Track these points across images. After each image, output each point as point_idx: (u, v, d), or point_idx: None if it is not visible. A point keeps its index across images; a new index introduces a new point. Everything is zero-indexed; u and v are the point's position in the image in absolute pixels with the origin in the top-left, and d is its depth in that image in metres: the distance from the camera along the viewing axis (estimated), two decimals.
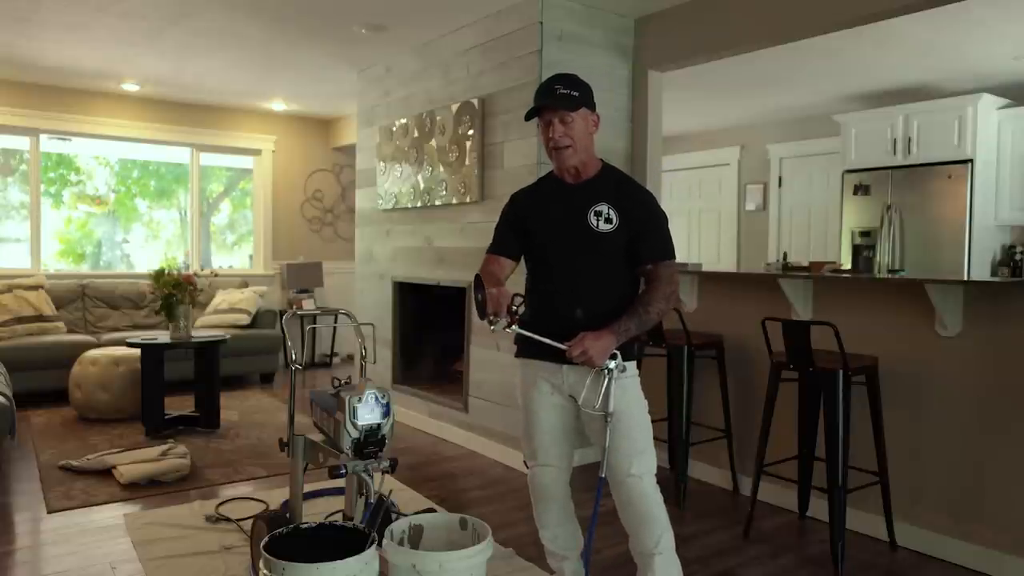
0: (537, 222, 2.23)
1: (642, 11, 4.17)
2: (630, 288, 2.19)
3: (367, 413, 2.14)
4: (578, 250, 2.15)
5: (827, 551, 2.95)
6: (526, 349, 2.23)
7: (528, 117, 2.17)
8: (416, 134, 4.92)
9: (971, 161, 5.21)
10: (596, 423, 2.14)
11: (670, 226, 2.23)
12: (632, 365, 2.16)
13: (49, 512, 3.27)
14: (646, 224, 2.16)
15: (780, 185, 7.13)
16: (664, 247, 2.17)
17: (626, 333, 2.05)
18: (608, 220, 2.12)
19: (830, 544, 2.84)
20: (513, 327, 2.03)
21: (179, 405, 5.13)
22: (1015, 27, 4.14)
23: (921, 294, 2.95)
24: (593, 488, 2.25)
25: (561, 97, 2.09)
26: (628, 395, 2.13)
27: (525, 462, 2.35)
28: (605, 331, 2.02)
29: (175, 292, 4.72)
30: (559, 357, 2.10)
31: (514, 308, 2.02)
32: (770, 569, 2.83)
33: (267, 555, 1.88)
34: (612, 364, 2.04)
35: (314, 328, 7.20)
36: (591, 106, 2.17)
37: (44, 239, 6.49)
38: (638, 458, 2.11)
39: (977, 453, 2.85)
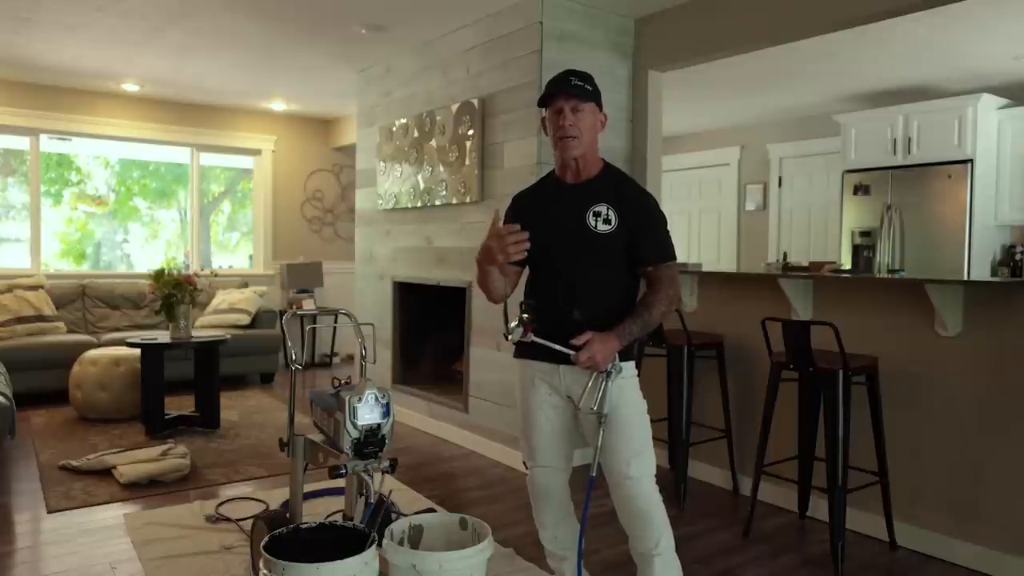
0: (536, 222, 2.21)
1: (642, 11, 4.17)
2: (629, 290, 2.18)
3: (367, 413, 2.14)
4: (576, 251, 2.14)
5: (827, 551, 2.95)
6: (523, 350, 2.22)
7: (541, 103, 2.17)
8: (416, 134, 4.92)
9: (971, 161, 5.21)
10: (592, 424, 2.13)
11: (669, 227, 2.21)
12: (630, 365, 2.15)
13: (49, 512, 3.27)
14: (645, 226, 2.13)
15: (780, 185, 7.13)
16: (664, 249, 2.15)
17: (629, 336, 2.05)
18: (607, 221, 2.11)
19: (830, 544, 2.84)
20: (530, 336, 2.03)
21: (179, 405, 5.13)
22: (1015, 27, 4.14)
23: (921, 294, 2.95)
24: None
25: (576, 87, 2.11)
26: (625, 396, 2.11)
27: (524, 462, 2.35)
28: (611, 334, 2.01)
29: (175, 292, 4.72)
30: (557, 358, 2.09)
31: (526, 316, 2.02)
32: (770, 569, 2.83)
33: (267, 555, 1.88)
34: (609, 365, 2.04)
35: (314, 328, 7.19)
36: (600, 105, 2.18)
37: (44, 239, 6.49)
38: (635, 460, 2.09)
39: (977, 453, 2.85)
